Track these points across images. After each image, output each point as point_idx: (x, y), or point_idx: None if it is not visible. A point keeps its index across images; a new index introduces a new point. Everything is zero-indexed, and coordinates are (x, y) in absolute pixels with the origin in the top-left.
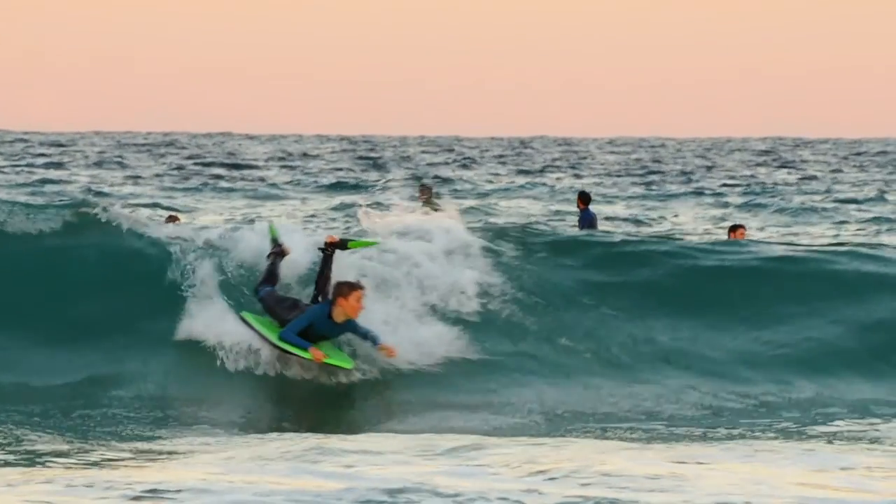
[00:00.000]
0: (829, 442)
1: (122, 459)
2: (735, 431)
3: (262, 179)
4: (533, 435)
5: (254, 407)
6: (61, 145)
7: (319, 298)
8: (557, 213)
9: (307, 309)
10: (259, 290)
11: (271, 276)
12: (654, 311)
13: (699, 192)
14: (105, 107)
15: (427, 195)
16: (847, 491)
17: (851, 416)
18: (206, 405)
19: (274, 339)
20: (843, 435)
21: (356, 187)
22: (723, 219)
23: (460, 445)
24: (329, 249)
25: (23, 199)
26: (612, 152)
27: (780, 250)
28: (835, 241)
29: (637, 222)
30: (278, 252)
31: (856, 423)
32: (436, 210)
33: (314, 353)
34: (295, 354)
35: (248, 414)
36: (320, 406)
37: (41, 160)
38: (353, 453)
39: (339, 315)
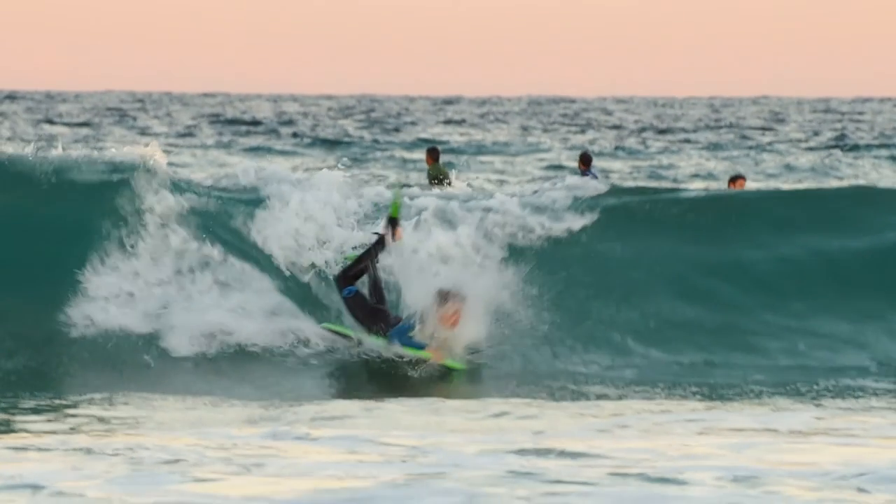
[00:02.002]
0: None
1: (87, 423)
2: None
3: (295, 135)
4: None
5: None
6: (69, 102)
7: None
8: (559, 168)
9: (406, 318)
10: (343, 288)
11: (359, 265)
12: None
13: (712, 146)
14: (98, 64)
15: (434, 159)
16: None
17: None
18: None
19: (380, 344)
20: None
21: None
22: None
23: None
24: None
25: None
26: (623, 111)
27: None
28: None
29: (648, 176)
30: (381, 240)
31: None
32: (443, 175)
33: (433, 353)
34: (409, 355)
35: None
36: (329, 374)
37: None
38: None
39: (440, 325)
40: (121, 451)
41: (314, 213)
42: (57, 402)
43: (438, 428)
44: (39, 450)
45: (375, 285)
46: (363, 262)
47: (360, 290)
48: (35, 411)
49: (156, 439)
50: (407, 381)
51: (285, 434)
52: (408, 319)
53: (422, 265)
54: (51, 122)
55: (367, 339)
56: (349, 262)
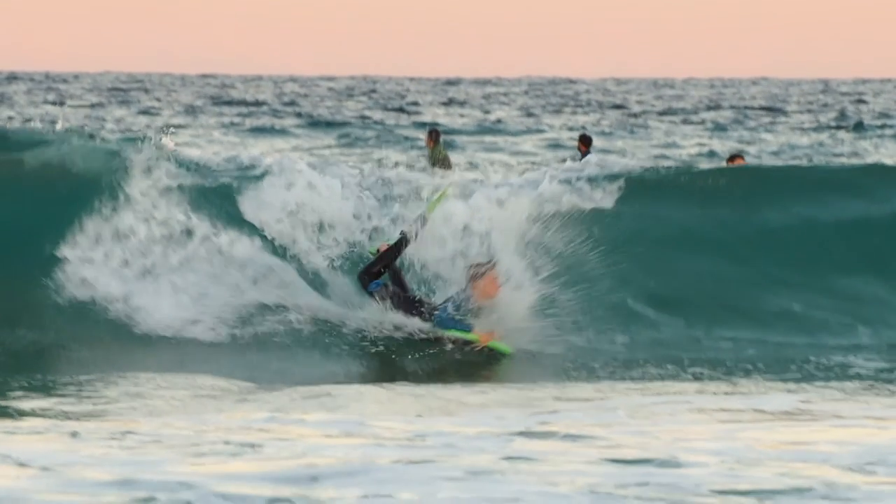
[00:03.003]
0: None
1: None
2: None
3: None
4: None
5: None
6: (65, 82)
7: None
8: (559, 147)
9: (449, 298)
10: (368, 283)
11: (381, 263)
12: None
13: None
14: (96, 45)
15: (435, 141)
16: None
17: None
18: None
19: (426, 327)
20: None
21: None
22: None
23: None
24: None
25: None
26: (624, 92)
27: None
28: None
29: (654, 157)
30: (405, 237)
31: None
32: (443, 156)
33: (480, 335)
34: (457, 338)
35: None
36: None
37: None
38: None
39: (479, 298)
40: (115, 435)
41: (319, 197)
42: (47, 381)
43: (432, 410)
44: (34, 432)
45: (396, 275)
46: (385, 260)
47: (388, 286)
48: (24, 390)
49: (148, 421)
50: (393, 364)
51: (279, 418)
52: (448, 302)
53: (445, 242)
54: (60, 102)
55: (410, 322)
56: (372, 258)
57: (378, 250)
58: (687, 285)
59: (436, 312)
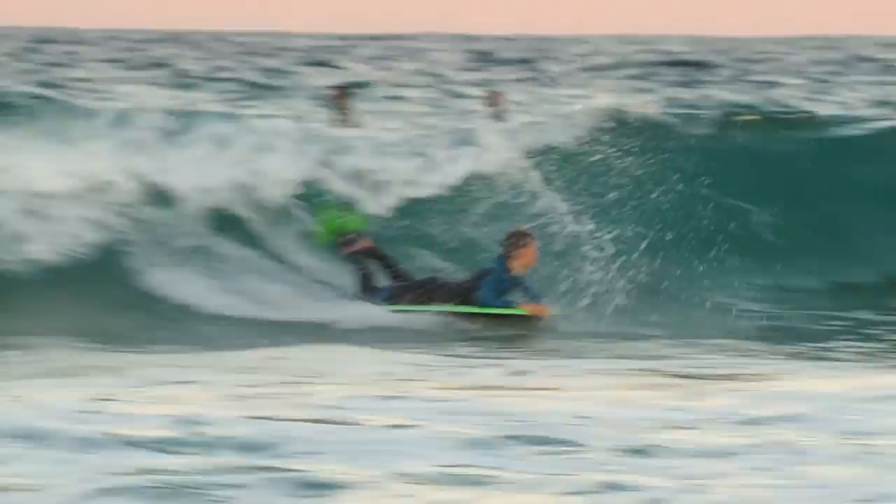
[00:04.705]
0: None
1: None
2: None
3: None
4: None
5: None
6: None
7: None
8: (553, 102)
9: (486, 273)
10: (375, 298)
11: (368, 282)
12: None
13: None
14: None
15: (341, 97)
16: None
17: None
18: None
19: (466, 310)
20: None
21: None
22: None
23: None
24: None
25: None
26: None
27: None
28: None
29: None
30: (358, 249)
31: None
32: (353, 114)
33: (532, 308)
34: (503, 316)
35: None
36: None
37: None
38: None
39: (518, 268)
40: (89, 399)
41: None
42: (19, 345)
43: (406, 370)
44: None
45: (391, 272)
46: (365, 281)
47: (396, 287)
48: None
49: (122, 390)
50: (343, 332)
51: (250, 393)
52: (487, 278)
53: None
54: (64, 64)
55: (453, 309)
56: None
57: (352, 238)
58: (658, 227)
59: (478, 292)
